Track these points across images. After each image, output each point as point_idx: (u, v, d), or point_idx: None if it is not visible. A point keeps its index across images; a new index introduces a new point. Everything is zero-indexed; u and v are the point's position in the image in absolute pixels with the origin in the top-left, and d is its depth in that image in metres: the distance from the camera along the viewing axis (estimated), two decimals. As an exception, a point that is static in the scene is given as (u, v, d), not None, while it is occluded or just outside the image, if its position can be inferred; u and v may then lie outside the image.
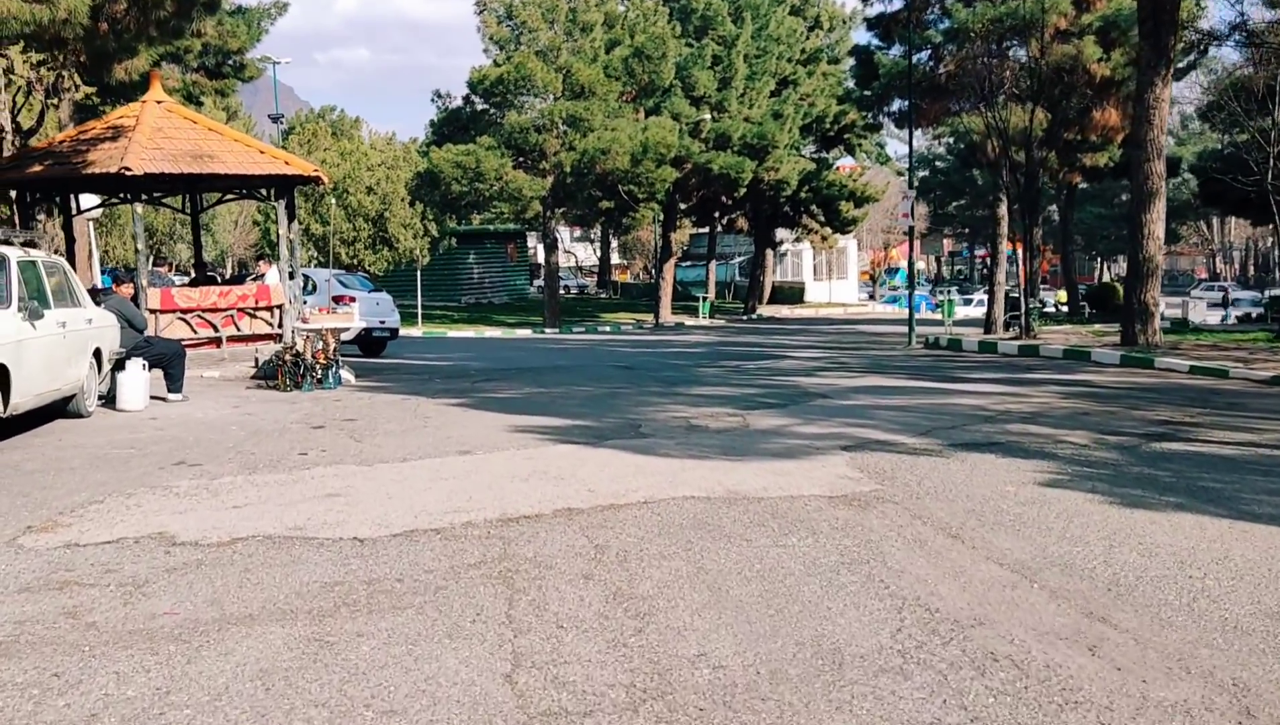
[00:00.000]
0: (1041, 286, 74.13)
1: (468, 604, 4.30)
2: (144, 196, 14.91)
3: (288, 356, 12.82)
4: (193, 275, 17.44)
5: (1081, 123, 28.31)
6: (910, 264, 25.30)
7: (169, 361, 11.21)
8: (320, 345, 13.26)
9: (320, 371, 12.84)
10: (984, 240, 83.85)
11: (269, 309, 14.92)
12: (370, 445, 8.30)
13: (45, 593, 4.44)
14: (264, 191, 15.91)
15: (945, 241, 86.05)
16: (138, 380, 10.60)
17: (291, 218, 15.56)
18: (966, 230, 75.40)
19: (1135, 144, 17.74)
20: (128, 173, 12.91)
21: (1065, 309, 43.26)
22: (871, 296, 64.95)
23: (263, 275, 17.16)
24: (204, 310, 14.42)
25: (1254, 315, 37.60)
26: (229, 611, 4.20)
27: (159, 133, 14.26)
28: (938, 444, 8.26)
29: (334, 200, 30.34)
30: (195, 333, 14.33)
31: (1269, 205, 31.37)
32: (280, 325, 14.82)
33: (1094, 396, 11.93)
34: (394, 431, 9.05)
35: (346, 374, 13.47)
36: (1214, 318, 42.69)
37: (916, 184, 25.13)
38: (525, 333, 32.69)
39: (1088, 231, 70.05)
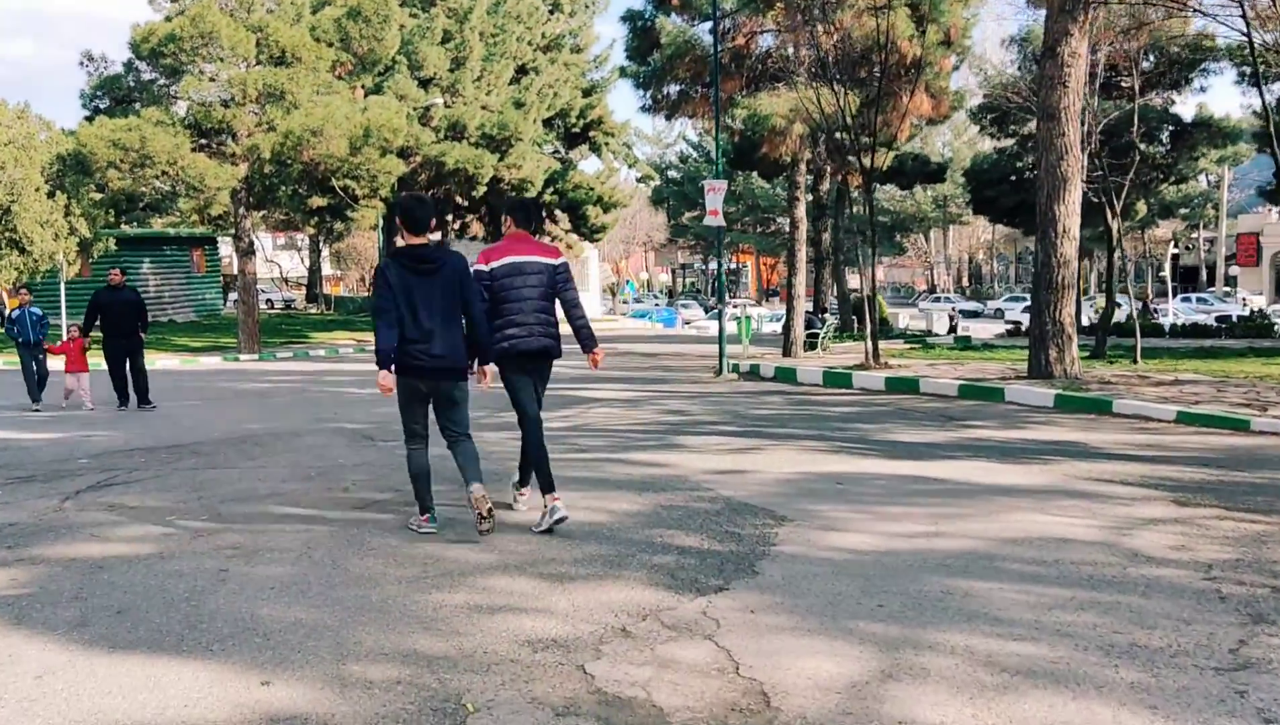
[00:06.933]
0: (772, 300, 72.83)
1: None
2: None
3: None
4: None
5: (886, 111, 24.54)
6: (719, 271, 20.41)
7: None
8: None
9: None
10: (715, 253, 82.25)
11: None
12: None
13: None
14: None
15: (679, 253, 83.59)
16: None
17: None
18: (698, 242, 72.67)
19: (1045, 115, 13.44)
20: None
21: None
22: (612, 310, 60.92)
23: None
24: None
25: (1024, 327, 35.85)
26: None
27: None
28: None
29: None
30: None
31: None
32: None
33: (1189, 490, 7.08)
34: None
35: None
36: (944, 328, 41.06)
37: (723, 177, 20.33)
38: (214, 362, 25.18)
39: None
